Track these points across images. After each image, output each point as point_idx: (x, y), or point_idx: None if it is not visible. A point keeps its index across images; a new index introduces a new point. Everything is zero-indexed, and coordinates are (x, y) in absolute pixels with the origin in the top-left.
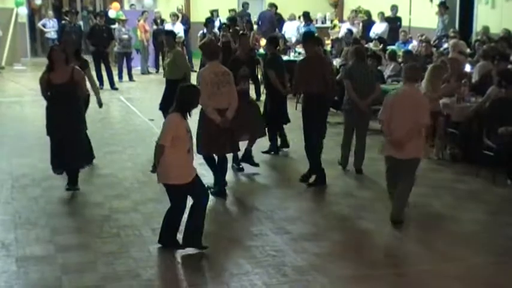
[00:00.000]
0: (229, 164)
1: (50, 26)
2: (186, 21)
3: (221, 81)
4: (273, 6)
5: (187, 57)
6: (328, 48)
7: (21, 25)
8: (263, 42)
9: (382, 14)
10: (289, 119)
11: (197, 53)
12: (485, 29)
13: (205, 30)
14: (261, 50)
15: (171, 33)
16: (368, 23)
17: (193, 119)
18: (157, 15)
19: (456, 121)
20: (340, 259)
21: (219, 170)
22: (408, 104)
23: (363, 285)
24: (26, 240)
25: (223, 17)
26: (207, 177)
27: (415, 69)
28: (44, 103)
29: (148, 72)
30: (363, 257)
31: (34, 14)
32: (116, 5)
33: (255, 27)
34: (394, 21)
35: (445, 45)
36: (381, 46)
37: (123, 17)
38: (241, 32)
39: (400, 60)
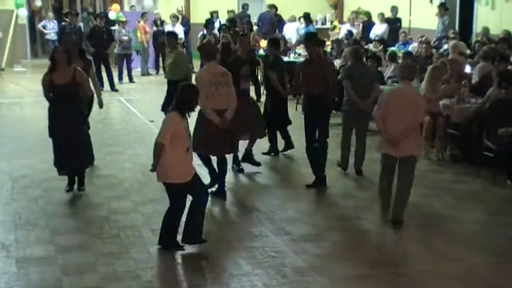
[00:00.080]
0: (229, 165)
1: (50, 28)
2: (186, 22)
3: (219, 82)
4: (273, 7)
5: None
6: (328, 49)
7: (21, 27)
8: (263, 43)
9: (382, 15)
10: (290, 120)
11: (197, 54)
12: (485, 30)
13: (205, 32)
14: (261, 51)
15: (173, 34)
16: (368, 24)
17: (191, 119)
18: (157, 16)
19: (456, 122)
20: (340, 259)
21: (214, 171)
22: (403, 103)
23: (363, 285)
24: (26, 241)
25: (223, 18)
26: (207, 178)
27: (410, 67)
28: (45, 104)
29: (148, 74)
30: (363, 257)
31: (34, 16)
32: (116, 6)
33: (255, 28)
34: (394, 23)
35: (445, 46)
36: (381, 47)
37: (123, 19)
38: (241, 33)
39: (400, 61)
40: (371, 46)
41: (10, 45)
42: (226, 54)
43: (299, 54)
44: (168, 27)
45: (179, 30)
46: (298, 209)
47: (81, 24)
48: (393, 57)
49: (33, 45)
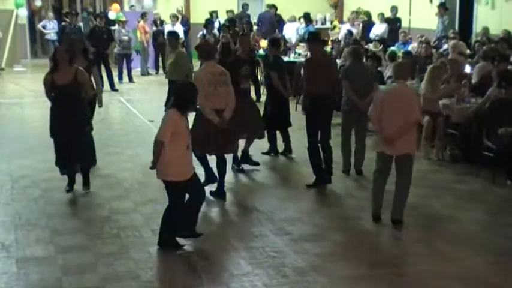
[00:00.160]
0: (229, 165)
1: (50, 28)
2: (185, 22)
3: (218, 82)
4: (273, 7)
5: None
6: (328, 49)
7: (21, 26)
8: (263, 43)
9: (382, 15)
10: (290, 123)
11: (196, 54)
12: (485, 30)
13: (205, 32)
14: (261, 51)
15: (174, 34)
16: (368, 24)
17: (189, 118)
18: (157, 16)
19: (456, 122)
20: (341, 259)
21: (210, 170)
22: (398, 102)
23: (363, 285)
24: (26, 242)
25: (222, 18)
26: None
27: (404, 67)
28: (45, 104)
29: (148, 74)
30: (363, 257)
31: (34, 16)
32: (115, 6)
33: (255, 28)
34: (394, 22)
35: (445, 46)
36: (380, 47)
37: (123, 19)
38: (241, 32)
39: (399, 61)
40: (371, 46)
41: (10, 45)
42: (226, 54)
43: (299, 54)
44: (167, 27)
45: (179, 30)
46: (298, 208)
47: (81, 24)
48: (393, 57)
49: (33, 45)
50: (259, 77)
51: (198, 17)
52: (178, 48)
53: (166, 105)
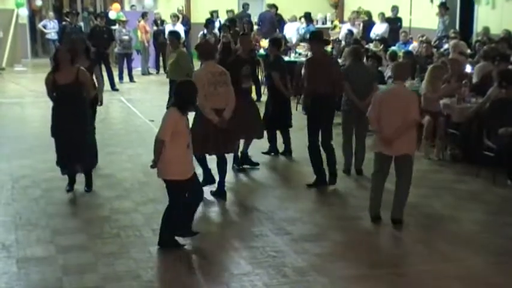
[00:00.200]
0: (229, 165)
1: (50, 27)
2: (186, 22)
3: (218, 81)
4: (273, 7)
5: None
6: (329, 48)
7: (21, 26)
8: (263, 43)
9: (382, 14)
10: (291, 123)
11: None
12: (486, 30)
13: (205, 31)
14: (261, 51)
15: (175, 34)
16: (368, 24)
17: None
18: (157, 16)
19: (456, 122)
20: (341, 259)
21: (209, 170)
22: (396, 102)
23: (363, 285)
24: (26, 241)
25: (223, 18)
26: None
27: (403, 67)
28: (46, 104)
29: (149, 73)
30: (363, 257)
31: (35, 15)
32: (116, 6)
33: (255, 27)
34: (394, 22)
35: (446, 46)
36: (381, 47)
37: (124, 18)
38: (242, 32)
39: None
40: (371, 46)
41: (10, 45)
42: (227, 54)
43: (299, 54)
44: (168, 27)
45: (179, 29)
46: (299, 208)
47: (81, 24)
48: (394, 56)
49: (34, 44)
50: (260, 77)
51: (199, 16)
52: (179, 48)
53: (167, 105)
